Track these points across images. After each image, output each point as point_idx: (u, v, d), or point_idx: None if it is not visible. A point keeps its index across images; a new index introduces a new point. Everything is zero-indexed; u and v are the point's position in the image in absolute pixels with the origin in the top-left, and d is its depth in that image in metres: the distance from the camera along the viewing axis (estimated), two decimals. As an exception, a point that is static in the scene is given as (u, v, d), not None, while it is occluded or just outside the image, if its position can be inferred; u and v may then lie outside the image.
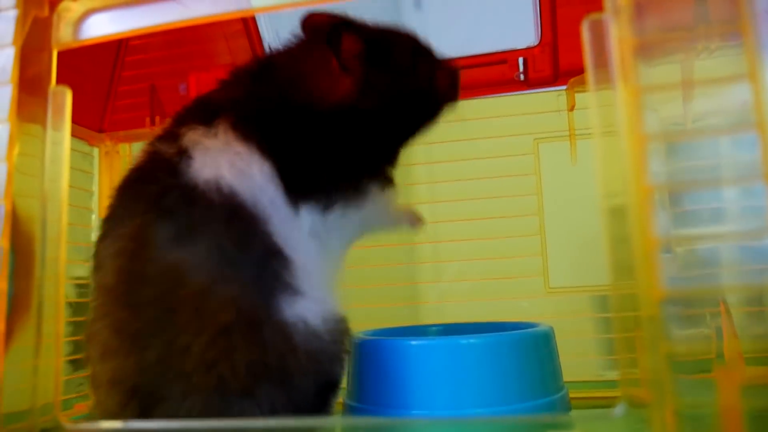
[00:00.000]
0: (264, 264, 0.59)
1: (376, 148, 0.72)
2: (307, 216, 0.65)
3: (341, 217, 0.67)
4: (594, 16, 0.45)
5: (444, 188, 1.02)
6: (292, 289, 0.59)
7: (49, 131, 0.55)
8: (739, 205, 0.42)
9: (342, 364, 0.62)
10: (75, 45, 0.56)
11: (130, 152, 1.14)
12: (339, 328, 0.62)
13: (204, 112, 0.65)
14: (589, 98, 0.45)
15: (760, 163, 0.38)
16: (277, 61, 0.72)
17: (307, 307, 0.59)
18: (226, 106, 0.66)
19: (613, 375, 0.98)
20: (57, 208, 0.54)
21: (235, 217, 0.60)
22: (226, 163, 0.62)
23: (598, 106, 0.45)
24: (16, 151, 0.52)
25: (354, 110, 0.69)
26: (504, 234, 1.01)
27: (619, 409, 0.42)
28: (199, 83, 1.09)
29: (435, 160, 1.03)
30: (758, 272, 0.39)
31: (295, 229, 0.64)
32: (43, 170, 0.55)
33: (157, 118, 1.09)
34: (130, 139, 1.13)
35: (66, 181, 0.55)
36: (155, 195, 0.59)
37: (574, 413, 0.71)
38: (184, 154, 0.61)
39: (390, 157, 0.75)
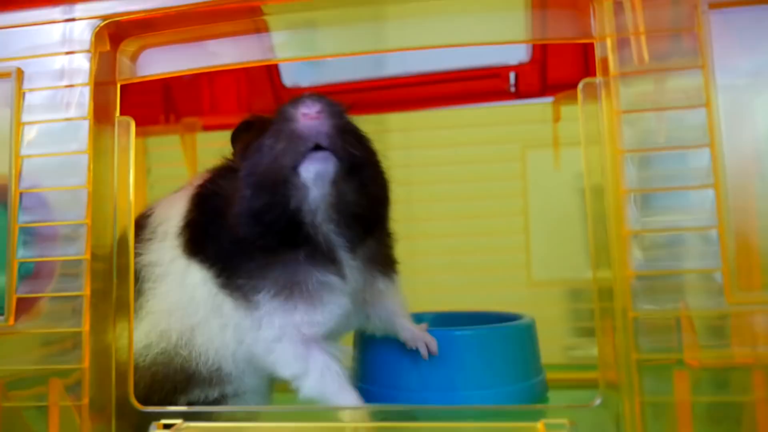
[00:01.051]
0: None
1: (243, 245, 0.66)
2: (198, 271, 0.68)
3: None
4: (588, 80, 0.55)
5: (441, 188, 1.12)
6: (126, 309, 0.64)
7: (116, 154, 0.63)
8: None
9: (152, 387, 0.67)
10: (135, 80, 0.65)
11: (143, 149, 1.21)
12: (156, 359, 0.67)
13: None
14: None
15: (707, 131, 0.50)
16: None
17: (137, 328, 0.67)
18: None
19: (581, 359, 1.10)
20: (125, 219, 0.63)
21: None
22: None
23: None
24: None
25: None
26: (492, 232, 1.12)
27: (598, 400, 0.53)
28: (212, 83, 1.16)
29: (433, 163, 1.12)
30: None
31: (174, 266, 0.69)
32: (113, 185, 0.63)
33: (172, 116, 1.16)
34: (143, 135, 1.20)
35: (132, 195, 0.64)
36: None
37: (559, 401, 0.82)
38: None
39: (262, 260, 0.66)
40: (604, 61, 0.55)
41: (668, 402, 0.50)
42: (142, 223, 0.73)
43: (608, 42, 0.54)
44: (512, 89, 1.09)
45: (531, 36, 0.61)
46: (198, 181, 0.75)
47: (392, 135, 1.16)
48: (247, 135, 0.70)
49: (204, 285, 0.67)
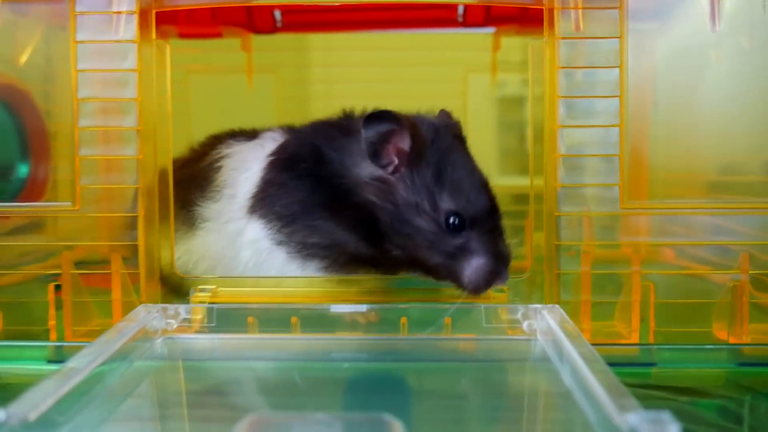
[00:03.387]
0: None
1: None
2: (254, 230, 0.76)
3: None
4: (535, 42, 0.74)
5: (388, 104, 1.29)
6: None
7: (155, 69, 0.76)
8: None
9: None
10: (168, 8, 0.77)
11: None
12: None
13: None
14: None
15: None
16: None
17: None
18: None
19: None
20: (165, 124, 0.77)
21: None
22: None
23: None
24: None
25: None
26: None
27: (526, 274, 0.75)
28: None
29: (382, 81, 1.28)
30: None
31: (228, 226, 0.78)
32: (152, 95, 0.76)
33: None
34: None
35: (169, 106, 0.77)
36: None
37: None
38: None
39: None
40: (551, 24, 0.73)
41: (575, 274, 0.73)
42: (207, 171, 0.80)
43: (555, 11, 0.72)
44: (460, 19, 1.25)
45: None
46: (276, 140, 0.80)
47: (355, 53, 1.30)
48: (393, 135, 0.69)
49: (254, 244, 0.75)
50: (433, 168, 0.68)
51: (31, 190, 1.02)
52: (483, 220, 0.68)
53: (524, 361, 0.67)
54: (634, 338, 0.72)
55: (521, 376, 0.65)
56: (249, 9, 1.27)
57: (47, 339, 0.74)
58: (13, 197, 0.96)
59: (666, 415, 0.40)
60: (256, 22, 1.29)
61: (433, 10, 1.24)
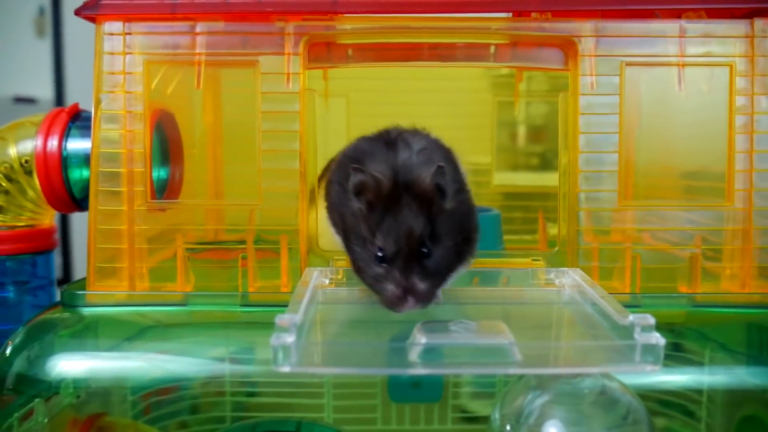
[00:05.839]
0: None
1: None
2: None
3: None
4: (563, 94, 1.11)
5: (431, 122, 1.66)
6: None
7: (307, 109, 1.12)
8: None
9: None
10: (316, 68, 1.13)
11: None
12: None
13: None
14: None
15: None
16: None
17: None
18: None
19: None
20: (314, 147, 1.13)
21: None
22: None
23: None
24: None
25: None
26: (468, 153, 1.68)
27: (556, 248, 1.13)
28: None
29: (425, 103, 1.66)
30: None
31: None
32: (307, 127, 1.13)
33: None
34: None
35: (315, 136, 1.14)
36: None
37: (532, 250, 1.43)
38: None
39: None
40: (574, 83, 1.11)
41: (577, 248, 1.11)
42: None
43: (579, 76, 1.10)
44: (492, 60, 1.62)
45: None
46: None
47: (396, 82, 1.66)
48: (370, 189, 0.91)
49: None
50: (378, 215, 0.90)
51: (171, 188, 1.39)
52: (398, 259, 0.88)
53: (558, 303, 1.05)
54: (626, 290, 1.10)
55: (558, 310, 1.04)
56: (329, 47, 1.63)
57: (236, 290, 1.10)
58: (159, 194, 1.33)
59: (648, 315, 0.78)
60: (333, 57, 1.64)
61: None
